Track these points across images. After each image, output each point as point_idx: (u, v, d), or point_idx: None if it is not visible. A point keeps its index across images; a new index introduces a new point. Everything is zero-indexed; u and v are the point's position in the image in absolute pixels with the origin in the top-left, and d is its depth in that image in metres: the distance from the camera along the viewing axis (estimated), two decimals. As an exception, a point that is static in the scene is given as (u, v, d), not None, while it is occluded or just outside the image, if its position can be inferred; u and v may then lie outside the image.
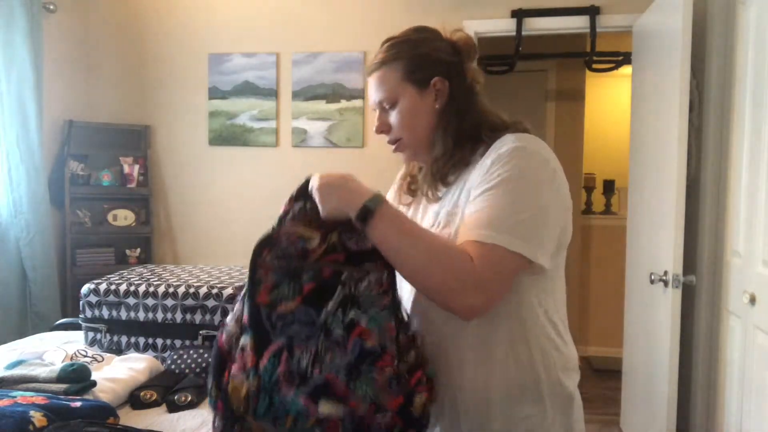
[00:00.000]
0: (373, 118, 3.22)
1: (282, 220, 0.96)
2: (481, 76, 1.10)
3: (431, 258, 0.91)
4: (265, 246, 0.92)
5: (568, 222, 1.01)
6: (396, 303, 0.94)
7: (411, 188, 1.18)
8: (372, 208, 0.91)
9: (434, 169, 1.06)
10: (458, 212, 1.00)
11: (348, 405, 0.83)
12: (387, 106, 1.08)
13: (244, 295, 0.93)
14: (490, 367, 0.98)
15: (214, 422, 0.89)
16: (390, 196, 1.23)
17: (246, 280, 0.93)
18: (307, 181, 0.98)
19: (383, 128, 1.10)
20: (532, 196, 0.93)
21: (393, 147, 1.12)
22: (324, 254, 0.92)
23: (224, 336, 0.93)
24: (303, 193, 0.97)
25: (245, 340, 0.89)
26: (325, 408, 0.82)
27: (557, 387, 1.00)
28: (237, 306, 0.95)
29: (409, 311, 1.03)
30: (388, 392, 0.84)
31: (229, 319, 0.96)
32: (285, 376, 0.84)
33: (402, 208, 1.18)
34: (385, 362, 0.86)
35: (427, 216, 1.09)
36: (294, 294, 0.90)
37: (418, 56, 1.06)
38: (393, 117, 1.08)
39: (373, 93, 1.10)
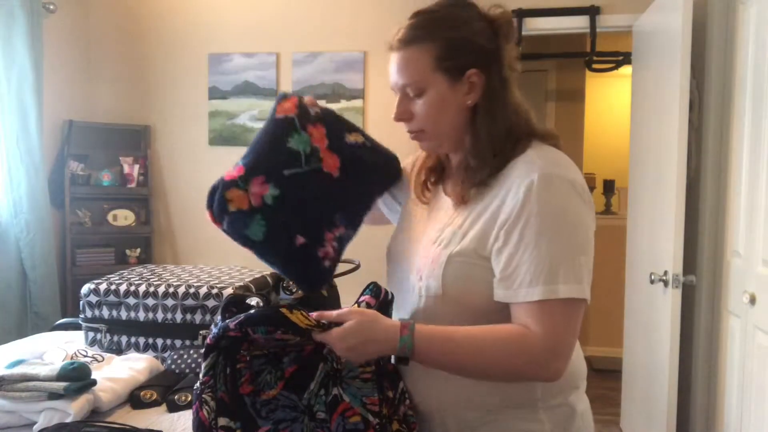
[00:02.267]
0: (373, 118, 3.24)
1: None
2: (517, 62, 0.99)
3: (494, 359, 0.87)
4: (241, 341, 0.91)
5: None
6: (380, 372, 0.94)
7: (427, 186, 1.08)
8: (407, 355, 0.86)
9: (472, 178, 0.95)
10: (466, 233, 0.93)
11: None
12: (412, 94, 0.95)
13: (212, 364, 0.91)
14: (488, 393, 0.94)
15: None
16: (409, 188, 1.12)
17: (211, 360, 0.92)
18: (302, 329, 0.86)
19: (405, 116, 0.97)
20: (577, 233, 0.89)
21: (412, 136, 1.01)
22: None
23: (204, 412, 0.91)
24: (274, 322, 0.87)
25: (229, 423, 0.90)
26: None
27: (557, 405, 0.97)
28: (204, 369, 0.92)
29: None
30: None
31: (198, 384, 0.93)
32: None
33: (420, 208, 1.08)
34: None
35: (432, 229, 1.01)
36: (276, 380, 0.92)
37: (455, 40, 0.93)
38: (418, 106, 0.95)
39: (396, 75, 0.96)
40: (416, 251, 1.01)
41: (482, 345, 0.88)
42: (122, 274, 1.69)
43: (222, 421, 0.90)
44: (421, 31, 0.94)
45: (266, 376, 0.92)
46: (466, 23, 0.94)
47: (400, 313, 1.03)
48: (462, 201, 0.97)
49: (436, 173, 1.08)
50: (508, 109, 0.96)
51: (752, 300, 1.92)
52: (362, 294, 0.99)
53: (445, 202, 1.02)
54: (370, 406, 0.90)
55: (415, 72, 0.94)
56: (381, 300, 0.96)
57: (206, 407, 0.90)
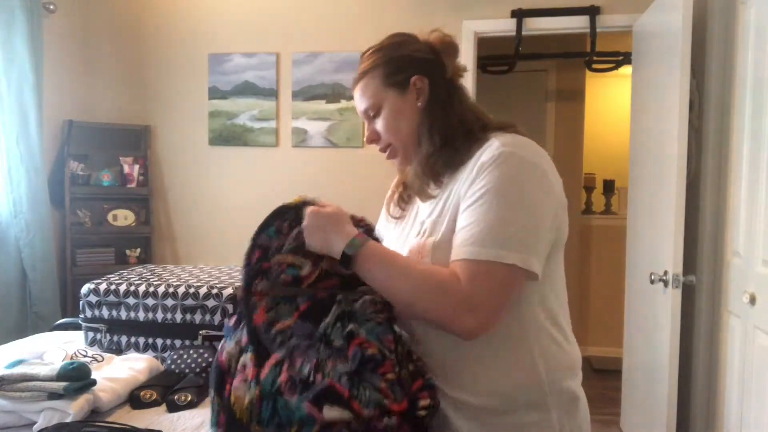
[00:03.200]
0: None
1: (255, 239, 0.99)
2: (462, 70, 1.10)
3: (419, 289, 0.92)
4: (255, 276, 0.95)
5: (564, 220, 1.00)
6: (392, 319, 0.95)
7: (402, 198, 1.17)
8: (351, 254, 0.94)
9: (424, 168, 1.05)
10: (443, 220, 0.98)
11: (353, 409, 0.82)
12: (372, 114, 1.09)
13: (240, 320, 0.95)
14: (492, 375, 0.97)
15: None
16: (382, 213, 1.23)
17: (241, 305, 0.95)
18: (298, 205, 1.01)
19: (373, 137, 1.12)
20: (520, 205, 0.92)
21: (386, 155, 1.13)
22: (317, 281, 0.95)
23: (224, 354, 0.93)
24: (293, 214, 1.00)
25: (245, 358, 0.90)
26: (330, 413, 0.81)
27: (561, 389, 0.99)
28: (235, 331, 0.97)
29: (405, 325, 1.02)
30: (392, 397, 0.84)
31: (227, 341, 0.96)
32: (287, 384, 0.84)
33: (391, 223, 1.18)
34: (387, 369, 0.86)
35: (415, 226, 1.07)
36: (290, 312, 0.92)
37: (395, 59, 1.07)
38: (379, 124, 1.09)
39: (358, 103, 1.12)
40: (405, 250, 1.06)
41: (414, 273, 0.93)
42: (122, 274, 1.69)
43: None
44: (369, 61, 1.09)
45: (280, 308, 0.93)
46: (405, 45, 1.09)
47: None
48: (426, 196, 1.05)
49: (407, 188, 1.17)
50: (456, 106, 1.07)
51: (752, 300, 1.92)
52: None
53: (423, 205, 1.09)
54: (386, 342, 0.90)
55: (370, 95, 1.09)
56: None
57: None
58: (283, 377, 0.84)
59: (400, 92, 1.06)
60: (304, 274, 0.95)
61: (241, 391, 0.85)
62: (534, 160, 0.95)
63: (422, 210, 1.08)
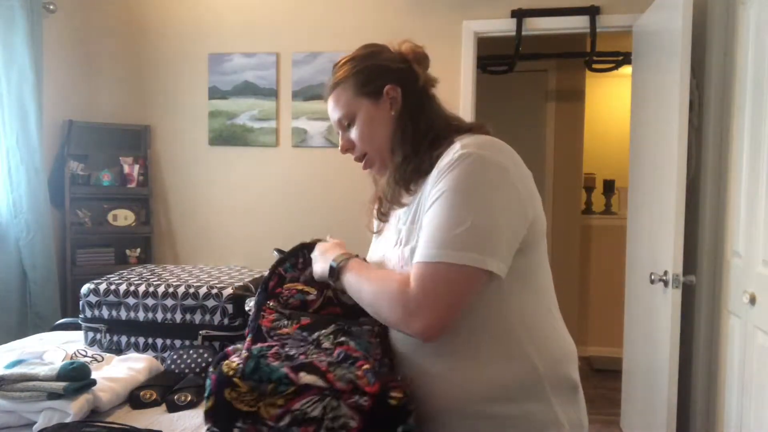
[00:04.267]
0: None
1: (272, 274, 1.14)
2: (434, 80, 1.12)
3: (376, 293, 0.97)
4: (269, 298, 1.09)
5: (539, 213, 0.99)
6: (385, 348, 1.01)
7: (381, 212, 1.16)
8: (335, 266, 1.04)
9: (397, 176, 1.06)
10: (416, 227, 0.99)
11: (327, 380, 0.87)
12: (346, 123, 1.11)
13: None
14: (487, 374, 0.96)
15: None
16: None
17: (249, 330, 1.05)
18: (306, 244, 1.16)
19: (347, 146, 1.13)
20: (474, 204, 0.91)
21: (362, 165, 1.14)
22: (321, 307, 1.07)
23: (231, 347, 1.02)
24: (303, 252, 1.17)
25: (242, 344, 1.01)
26: (307, 378, 0.87)
27: (560, 378, 0.99)
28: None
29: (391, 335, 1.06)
30: (366, 379, 0.88)
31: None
32: (273, 355, 0.92)
33: (381, 234, 1.18)
34: (365, 363, 0.92)
35: (392, 236, 1.08)
36: (292, 324, 1.04)
37: (367, 69, 1.09)
38: (353, 133, 1.10)
39: (331, 113, 1.13)
40: (386, 261, 1.07)
41: (373, 280, 0.99)
42: (122, 274, 1.69)
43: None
44: (342, 72, 1.11)
45: (284, 320, 1.04)
46: (376, 55, 1.11)
47: None
48: (399, 204, 1.07)
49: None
50: (427, 114, 1.08)
51: (752, 300, 1.92)
52: None
53: (400, 213, 1.10)
54: (374, 355, 0.97)
55: (344, 104, 1.10)
56: None
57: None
58: (271, 351, 0.93)
59: (374, 101, 1.08)
60: (310, 299, 1.07)
61: (233, 359, 0.93)
62: (494, 158, 0.95)
63: (400, 219, 1.08)
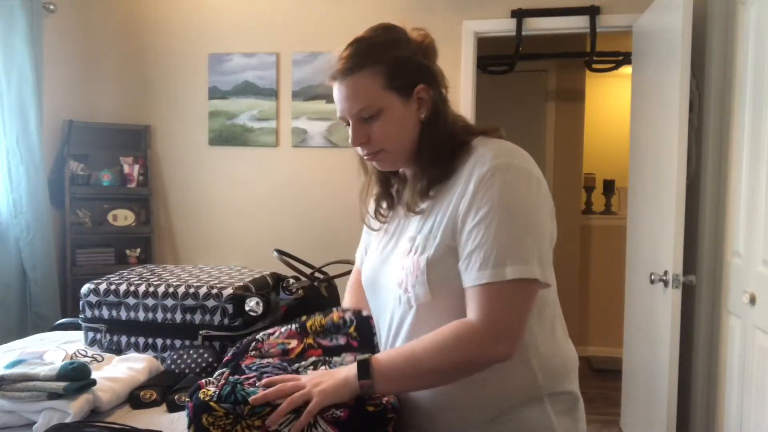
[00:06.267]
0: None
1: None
2: (448, 82, 1.06)
3: (439, 362, 0.89)
4: (250, 350, 1.08)
5: (555, 224, 1.00)
6: None
7: (381, 213, 1.12)
8: (367, 359, 0.91)
9: (417, 184, 1.00)
10: (435, 236, 0.95)
11: None
12: (367, 116, 0.98)
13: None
14: (487, 384, 0.96)
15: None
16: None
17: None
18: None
19: (363, 140, 1.00)
20: (526, 217, 0.90)
21: (369, 157, 1.04)
22: (302, 352, 1.07)
23: (204, 380, 1.01)
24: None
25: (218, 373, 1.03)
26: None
27: (560, 391, 0.99)
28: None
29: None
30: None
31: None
32: (249, 384, 0.94)
33: (381, 233, 1.12)
34: None
35: (402, 242, 1.03)
36: (273, 356, 1.06)
37: (399, 60, 0.98)
38: (376, 128, 0.98)
39: (348, 102, 0.98)
40: (393, 268, 1.03)
41: (424, 355, 0.90)
42: (122, 274, 1.69)
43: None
44: (365, 56, 0.97)
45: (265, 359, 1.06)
46: (404, 44, 1.00)
47: (393, 329, 1.04)
48: (418, 209, 1.00)
49: (387, 199, 1.12)
50: (448, 119, 1.02)
51: (752, 300, 1.92)
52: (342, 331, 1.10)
53: (408, 218, 1.04)
54: None
55: (369, 95, 0.97)
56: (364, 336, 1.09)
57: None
58: (247, 382, 0.95)
59: (403, 98, 0.98)
60: (291, 347, 1.07)
61: (210, 387, 0.95)
62: (527, 167, 0.94)
63: (410, 226, 1.03)
